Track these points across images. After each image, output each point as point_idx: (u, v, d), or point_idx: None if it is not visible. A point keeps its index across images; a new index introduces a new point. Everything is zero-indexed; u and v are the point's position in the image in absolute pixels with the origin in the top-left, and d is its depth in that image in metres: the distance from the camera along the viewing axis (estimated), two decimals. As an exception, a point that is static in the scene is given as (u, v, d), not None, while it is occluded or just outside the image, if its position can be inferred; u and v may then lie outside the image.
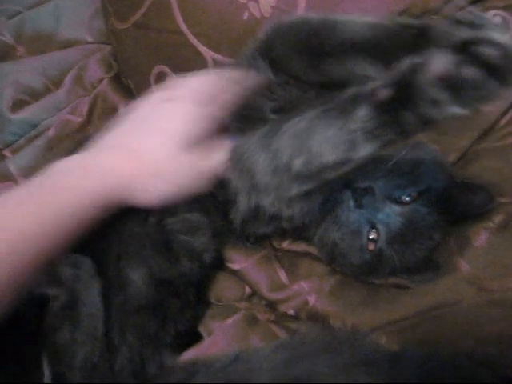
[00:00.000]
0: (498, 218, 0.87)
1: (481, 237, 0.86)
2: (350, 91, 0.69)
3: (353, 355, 0.75)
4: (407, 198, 0.86)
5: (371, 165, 0.86)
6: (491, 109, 1.00)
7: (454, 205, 0.88)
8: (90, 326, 0.82)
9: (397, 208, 0.86)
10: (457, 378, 0.70)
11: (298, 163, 0.73)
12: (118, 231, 0.92)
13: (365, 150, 0.66)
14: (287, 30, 0.90)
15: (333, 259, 0.94)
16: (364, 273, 0.91)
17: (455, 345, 0.80)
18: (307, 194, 0.80)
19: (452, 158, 1.01)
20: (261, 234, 0.99)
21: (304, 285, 0.98)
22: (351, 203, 0.86)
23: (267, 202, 0.83)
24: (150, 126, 0.80)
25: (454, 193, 0.89)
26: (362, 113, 0.65)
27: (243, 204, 0.87)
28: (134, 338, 0.88)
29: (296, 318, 0.98)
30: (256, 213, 0.88)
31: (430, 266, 0.89)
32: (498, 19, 0.92)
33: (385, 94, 0.62)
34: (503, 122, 1.01)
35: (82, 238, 0.74)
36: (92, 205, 0.73)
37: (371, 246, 0.87)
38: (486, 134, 1.01)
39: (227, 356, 0.80)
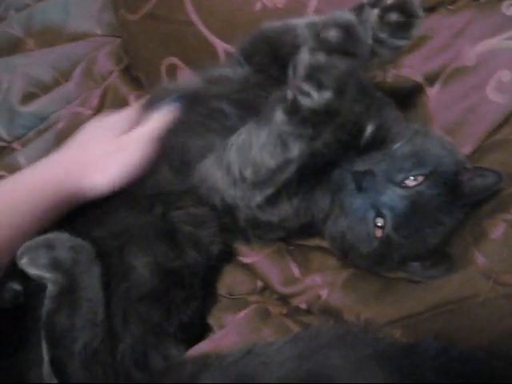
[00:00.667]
0: (515, 209, 0.85)
1: (498, 229, 0.84)
2: (271, 98, 0.78)
3: (366, 348, 0.74)
4: (411, 180, 0.85)
5: (372, 150, 0.88)
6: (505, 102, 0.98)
7: (464, 188, 0.88)
8: (89, 311, 0.81)
9: (401, 191, 0.85)
10: (473, 372, 0.69)
11: (248, 174, 0.81)
12: (119, 221, 0.92)
13: (297, 149, 0.74)
14: (263, 37, 0.96)
15: (344, 252, 0.93)
16: (375, 263, 0.90)
17: (471, 339, 0.79)
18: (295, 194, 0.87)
19: (467, 149, 1.00)
20: (268, 239, 1.00)
21: (317, 278, 0.97)
22: (352, 187, 0.86)
23: (241, 214, 0.90)
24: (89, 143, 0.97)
25: (464, 177, 0.88)
26: (279, 118, 0.73)
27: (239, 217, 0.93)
28: (136, 326, 0.87)
29: (308, 311, 0.97)
30: (253, 223, 0.92)
31: (442, 258, 0.87)
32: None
33: (290, 97, 0.70)
34: None
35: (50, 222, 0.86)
36: (54, 190, 0.86)
37: (378, 233, 0.86)
38: (500, 126, 1.00)
39: (240, 349, 0.79)
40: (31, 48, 1.55)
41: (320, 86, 0.67)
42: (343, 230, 0.89)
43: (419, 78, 1.04)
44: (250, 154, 0.80)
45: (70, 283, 0.80)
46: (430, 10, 1.03)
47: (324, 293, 0.94)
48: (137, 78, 1.38)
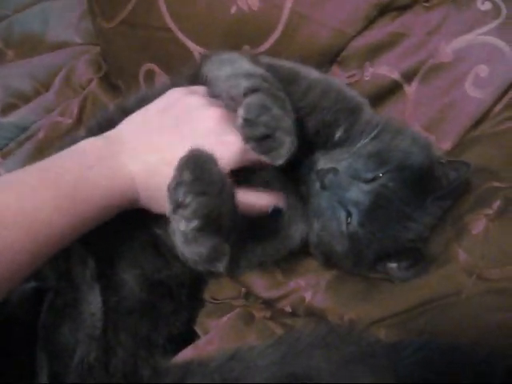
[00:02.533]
0: (495, 204, 0.85)
1: (479, 224, 0.84)
2: None
3: (349, 348, 0.74)
4: (374, 177, 0.85)
5: (335, 149, 0.87)
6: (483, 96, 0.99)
7: (438, 182, 0.87)
8: (90, 326, 0.80)
9: (365, 186, 0.84)
10: (454, 364, 0.69)
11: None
12: (113, 233, 0.90)
13: None
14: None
15: (326, 257, 0.92)
16: (353, 263, 0.89)
17: (456, 336, 0.78)
18: None
19: (447, 145, 1.01)
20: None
21: (300, 282, 0.96)
22: (317, 185, 0.85)
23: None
24: (177, 128, 0.80)
25: (438, 172, 0.87)
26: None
27: None
28: (127, 339, 0.86)
29: (293, 314, 0.96)
30: None
31: (419, 259, 0.86)
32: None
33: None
34: (497, 109, 1.00)
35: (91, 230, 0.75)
36: (105, 196, 0.74)
37: (345, 230, 0.86)
38: (480, 121, 1.00)
39: (223, 354, 0.78)
40: (11, 59, 1.55)
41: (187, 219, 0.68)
42: (318, 232, 0.89)
43: (397, 76, 1.04)
44: None
45: (75, 296, 0.80)
46: (406, 7, 1.04)
47: (308, 295, 0.93)
48: (116, 86, 1.37)
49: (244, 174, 0.83)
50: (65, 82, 1.40)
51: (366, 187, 0.84)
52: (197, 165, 0.69)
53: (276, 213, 0.88)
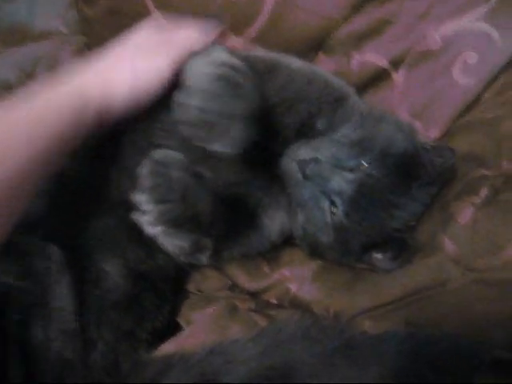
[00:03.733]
0: (483, 192, 0.83)
1: (466, 213, 0.82)
2: None
3: (332, 341, 0.73)
4: (357, 165, 0.83)
5: (317, 138, 0.86)
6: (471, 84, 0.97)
7: (423, 169, 0.85)
8: (62, 322, 0.78)
9: (348, 175, 0.82)
10: (438, 355, 0.68)
11: None
12: (87, 225, 0.88)
13: None
14: None
15: (312, 248, 0.90)
16: (340, 254, 0.87)
17: (442, 327, 0.77)
18: None
19: (435, 133, 0.99)
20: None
21: (286, 272, 0.95)
22: (299, 176, 0.83)
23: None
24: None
25: (423, 158, 0.86)
26: None
27: None
28: (109, 333, 0.85)
29: (279, 306, 0.94)
30: None
31: (405, 249, 0.85)
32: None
33: None
34: (485, 97, 0.99)
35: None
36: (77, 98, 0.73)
37: (331, 220, 0.84)
38: (469, 108, 0.99)
39: (203, 349, 0.77)
40: (-2, 49, 1.52)
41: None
42: (302, 224, 0.87)
43: (384, 63, 1.02)
44: None
45: (42, 294, 0.78)
46: (393, -7, 1.01)
47: (294, 286, 0.92)
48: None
49: (226, 168, 0.84)
50: (48, 72, 1.37)
51: (350, 176, 0.82)
52: (158, 173, 0.70)
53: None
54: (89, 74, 0.77)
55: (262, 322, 0.87)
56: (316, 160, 0.82)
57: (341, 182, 0.82)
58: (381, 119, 0.89)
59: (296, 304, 0.91)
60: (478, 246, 0.79)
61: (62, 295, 0.79)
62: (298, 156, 0.83)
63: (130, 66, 0.80)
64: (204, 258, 0.83)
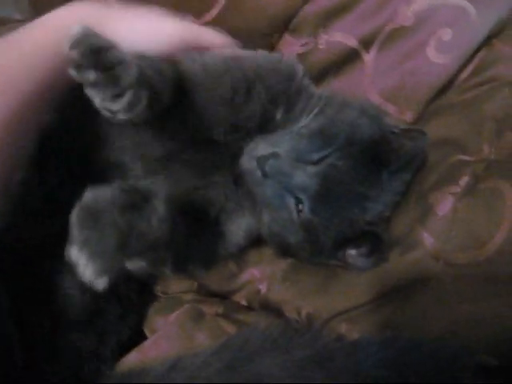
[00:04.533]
0: (463, 181, 0.78)
1: (445, 204, 0.77)
2: None
3: (304, 350, 0.67)
4: (320, 156, 0.77)
5: (275, 132, 0.80)
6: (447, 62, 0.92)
7: (392, 154, 0.79)
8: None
9: (311, 168, 0.76)
10: (418, 363, 0.64)
11: None
12: (33, 232, 0.82)
13: None
14: None
15: (282, 249, 0.84)
16: (311, 253, 0.81)
17: (423, 327, 0.73)
18: None
19: (409, 116, 0.94)
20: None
21: (255, 272, 0.91)
22: (258, 173, 0.77)
23: None
24: None
25: (392, 143, 0.80)
26: None
27: None
28: (68, 358, 0.79)
29: (249, 308, 0.90)
30: None
31: (379, 240, 0.79)
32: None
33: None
34: (463, 76, 0.94)
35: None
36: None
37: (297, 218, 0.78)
38: (445, 89, 0.93)
39: (164, 364, 0.70)
40: None
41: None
42: (269, 224, 0.81)
43: (353, 43, 0.96)
44: None
45: None
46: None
47: (263, 287, 0.88)
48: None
49: (185, 173, 0.80)
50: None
51: (313, 169, 0.76)
52: (88, 224, 0.64)
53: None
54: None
55: (230, 329, 0.83)
56: (275, 155, 0.76)
57: (304, 176, 0.76)
58: (342, 104, 0.83)
59: (266, 306, 0.87)
60: (458, 240, 0.75)
61: None
62: (256, 153, 0.77)
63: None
64: (167, 271, 0.78)
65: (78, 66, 0.62)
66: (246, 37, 0.95)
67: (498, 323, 0.65)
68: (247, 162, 0.77)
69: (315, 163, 0.76)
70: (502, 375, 0.62)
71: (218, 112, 0.79)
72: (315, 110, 0.79)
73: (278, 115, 0.82)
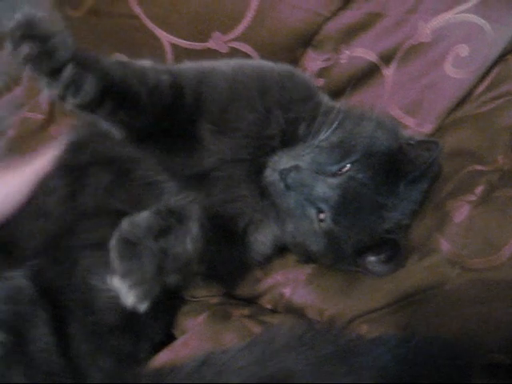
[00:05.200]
0: (478, 189, 0.82)
1: (461, 211, 0.81)
2: None
3: (326, 347, 0.71)
4: (340, 169, 0.81)
5: (298, 145, 0.84)
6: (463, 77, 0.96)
7: (409, 165, 0.83)
8: (43, 363, 0.75)
9: (331, 180, 0.81)
10: (433, 359, 0.67)
11: None
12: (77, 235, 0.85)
13: None
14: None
15: (306, 255, 0.89)
16: (334, 260, 0.86)
17: (439, 328, 0.75)
18: None
19: (428, 128, 0.98)
20: None
21: (278, 277, 0.93)
22: (281, 185, 0.82)
23: None
24: None
25: (409, 154, 0.83)
26: None
27: None
28: (107, 361, 0.81)
29: (273, 311, 0.93)
30: None
31: (398, 247, 0.83)
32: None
33: None
34: (479, 91, 0.98)
35: None
36: None
37: (320, 228, 0.83)
38: (462, 103, 0.98)
39: (195, 360, 0.75)
40: (-18, 54, 1.50)
41: None
42: (292, 233, 0.86)
43: (374, 58, 1.01)
44: None
45: (17, 340, 0.74)
46: (382, -15, 0.99)
47: (287, 291, 0.90)
48: (88, 78, 1.33)
49: (217, 187, 0.83)
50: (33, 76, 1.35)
51: (333, 181, 0.81)
52: (127, 255, 0.67)
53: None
54: None
55: (256, 329, 0.85)
56: (296, 168, 0.80)
57: (325, 188, 0.80)
58: (360, 117, 0.87)
59: (290, 309, 0.90)
60: (474, 246, 0.78)
61: (40, 336, 0.76)
62: (278, 166, 0.82)
63: None
64: (200, 282, 0.85)
65: (14, 40, 0.65)
66: (270, 52, 1.01)
67: (510, 323, 0.67)
68: (271, 174, 0.82)
69: (335, 175, 0.80)
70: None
71: (246, 133, 0.83)
72: (334, 124, 0.83)
73: (300, 130, 0.86)
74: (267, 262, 0.94)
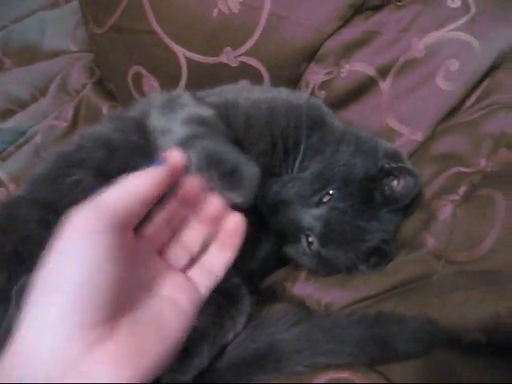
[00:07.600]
0: (461, 190, 0.88)
1: (445, 210, 0.87)
2: None
3: (314, 321, 0.79)
4: (321, 199, 0.88)
5: (289, 174, 0.91)
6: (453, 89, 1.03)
7: (385, 192, 0.89)
8: None
9: (314, 212, 0.88)
10: (405, 330, 0.74)
11: None
12: None
13: None
14: None
15: (303, 266, 0.96)
16: (326, 272, 0.93)
17: (425, 313, 0.78)
18: None
19: (420, 136, 1.05)
20: None
21: (281, 272, 1.00)
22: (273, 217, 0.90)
23: None
24: None
25: (385, 180, 0.89)
26: None
27: None
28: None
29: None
30: None
31: (385, 254, 0.90)
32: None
33: None
34: (469, 103, 1.04)
35: None
36: None
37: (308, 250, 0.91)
38: (452, 113, 1.04)
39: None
40: (9, 67, 1.60)
41: None
42: (289, 251, 0.95)
43: (372, 72, 1.09)
44: None
45: None
46: (379, 6, 1.09)
47: (288, 285, 0.96)
48: (109, 90, 1.43)
49: None
50: (60, 87, 1.45)
51: (316, 212, 0.87)
52: None
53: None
54: None
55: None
56: (282, 202, 0.87)
57: (309, 219, 0.87)
58: (338, 142, 0.92)
59: (290, 300, 0.95)
60: (457, 241, 0.83)
61: None
62: (267, 200, 0.88)
63: None
64: None
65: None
66: (276, 66, 1.10)
67: (487, 306, 0.71)
68: (261, 204, 0.88)
69: (318, 204, 0.87)
70: (489, 349, 0.68)
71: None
72: (315, 153, 0.90)
73: (299, 157, 0.92)
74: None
